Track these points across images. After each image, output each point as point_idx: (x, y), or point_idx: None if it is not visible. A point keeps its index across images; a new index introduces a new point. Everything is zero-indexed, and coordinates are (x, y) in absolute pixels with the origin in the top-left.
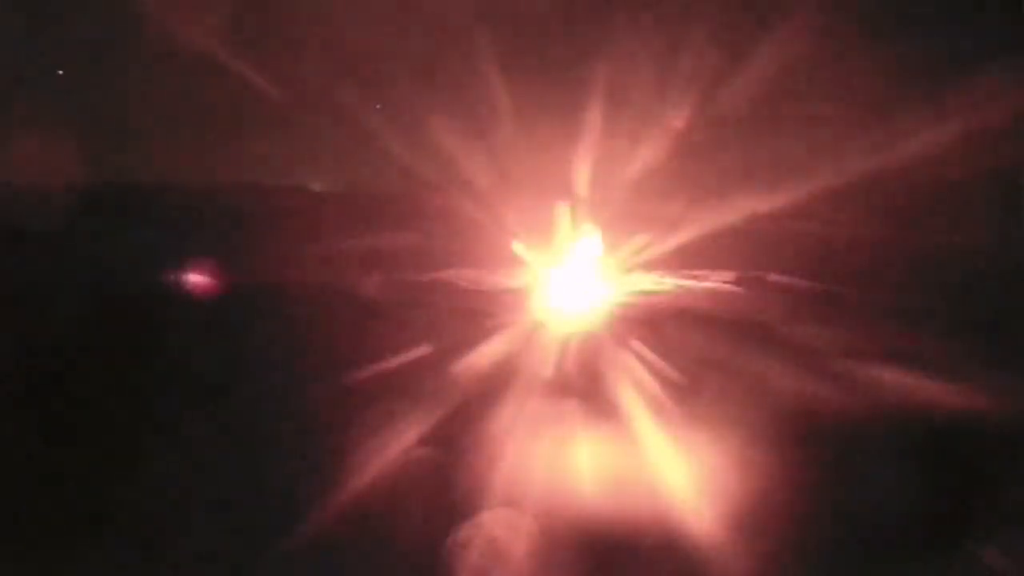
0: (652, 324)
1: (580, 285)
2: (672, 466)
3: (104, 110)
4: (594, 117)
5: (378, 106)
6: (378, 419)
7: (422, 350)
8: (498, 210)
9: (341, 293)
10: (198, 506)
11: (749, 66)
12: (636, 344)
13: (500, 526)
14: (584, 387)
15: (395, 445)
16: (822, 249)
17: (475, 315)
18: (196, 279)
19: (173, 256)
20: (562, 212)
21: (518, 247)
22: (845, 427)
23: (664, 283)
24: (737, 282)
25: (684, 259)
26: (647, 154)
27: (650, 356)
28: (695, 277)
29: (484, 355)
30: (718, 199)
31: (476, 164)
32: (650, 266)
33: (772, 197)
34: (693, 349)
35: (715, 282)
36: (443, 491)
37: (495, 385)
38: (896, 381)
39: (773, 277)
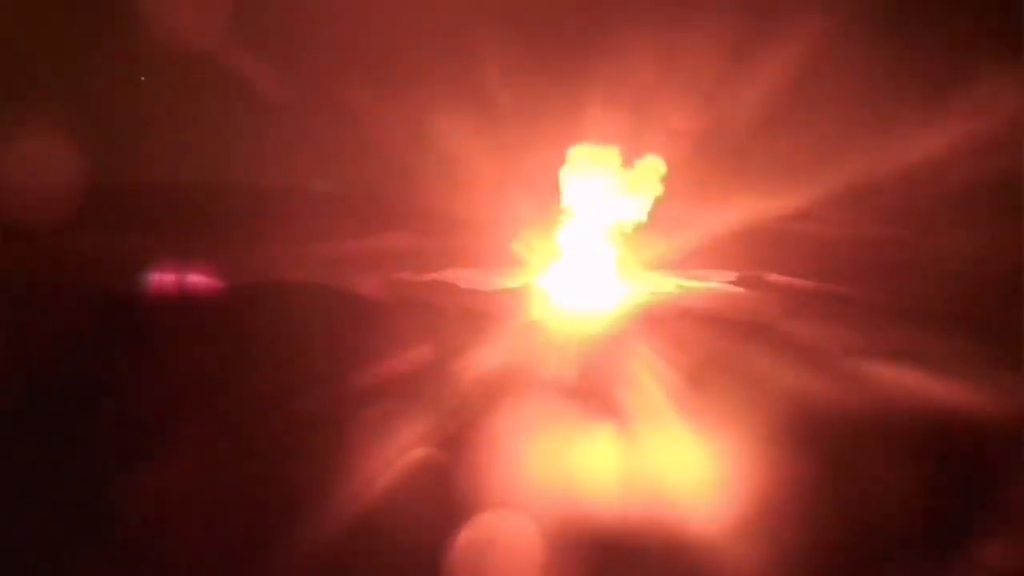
0: (654, 324)
1: (581, 285)
2: (674, 465)
3: (105, 110)
4: (596, 119)
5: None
6: (379, 419)
7: (422, 350)
8: (498, 210)
9: (341, 293)
10: (198, 505)
11: (752, 69)
12: (637, 343)
13: (500, 526)
14: (584, 387)
15: (395, 445)
16: (822, 249)
17: (475, 315)
18: (196, 279)
19: (173, 256)
20: (562, 212)
21: (518, 247)
22: (846, 426)
23: (666, 283)
24: (738, 282)
25: (687, 259)
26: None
27: (651, 355)
28: (697, 277)
29: (484, 355)
30: (720, 200)
31: (476, 164)
32: (653, 266)
33: (774, 198)
34: (694, 348)
35: (717, 282)
36: (444, 491)
37: (495, 385)
38: (896, 381)
39: (773, 277)
